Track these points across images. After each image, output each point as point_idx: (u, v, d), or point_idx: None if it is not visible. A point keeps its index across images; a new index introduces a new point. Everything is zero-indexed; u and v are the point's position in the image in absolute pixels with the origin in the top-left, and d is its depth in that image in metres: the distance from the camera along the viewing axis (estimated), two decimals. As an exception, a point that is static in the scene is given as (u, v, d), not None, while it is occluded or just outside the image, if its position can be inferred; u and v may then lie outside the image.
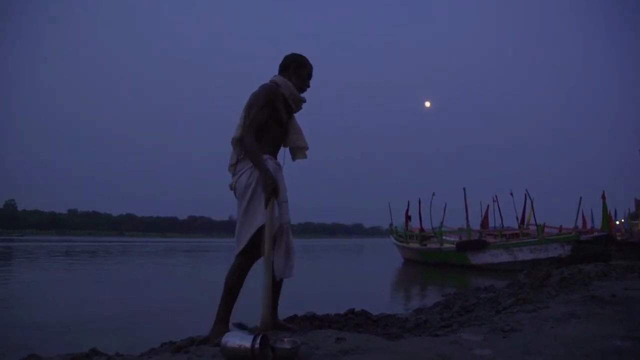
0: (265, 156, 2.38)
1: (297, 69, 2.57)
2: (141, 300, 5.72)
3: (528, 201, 14.36)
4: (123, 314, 4.58)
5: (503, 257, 12.47)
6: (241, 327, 1.90)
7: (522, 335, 2.08)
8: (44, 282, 8.08)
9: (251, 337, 1.68)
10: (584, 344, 1.86)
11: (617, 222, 22.75)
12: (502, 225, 15.99)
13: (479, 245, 13.03)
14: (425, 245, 15.53)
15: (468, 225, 14.79)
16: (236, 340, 1.68)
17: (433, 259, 14.51)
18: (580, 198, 14.85)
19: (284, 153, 2.58)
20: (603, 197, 13.64)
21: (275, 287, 2.53)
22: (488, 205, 16.73)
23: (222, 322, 2.25)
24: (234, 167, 2.46)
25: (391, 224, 18.84)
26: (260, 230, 2.24)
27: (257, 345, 1.65)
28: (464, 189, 15.91)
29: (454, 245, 13.69)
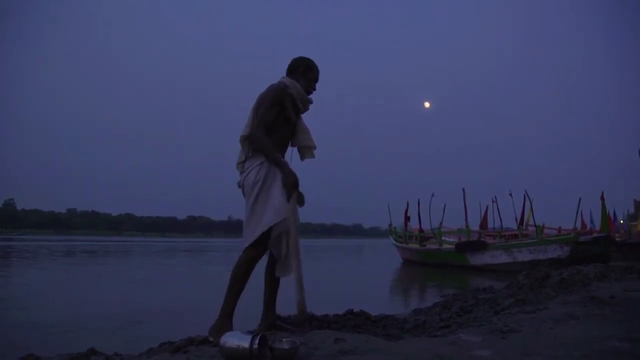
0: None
1: (305, 72, 2.64)
2: (140, 300, 5.72)
3: (527, 202, 14.38)
4: (122, 313, 4.58)
5: (502, 257, 12.48)
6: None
7: (521, 336, 2.09)
8: (43, 282, 8.08)
9: (250, 337, 1.68)
10: (583, 345, 1.86)
11: (621, 222, 22.81)
12: (502, 226, 15.99)
13: (478, 246, 13.04)
14: (425, 245, 15.54)
15: (467, 226, 14.80)
16: (235, 340, 1.68)
17: (432, 260, 14.52)
18: (580, 199, 14.87)
19: (291, 152, 2.63)
20: (602, 198, 13.66)
21: (273, 286, 2.54)
22: (487, 206, 16.77)
23: (226, 317, 2.27)
24: (241, 165, 2.50)
25: (390, 225, 18.85)
26: (272, 227, 2.29)
27: (255, 346, 1.65)
28: (463, 189, 15.94)
29: (453, 246, 13.69)
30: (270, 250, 2.46)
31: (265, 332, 2.17)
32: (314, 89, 2.70)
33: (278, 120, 2.47)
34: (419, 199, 16.74)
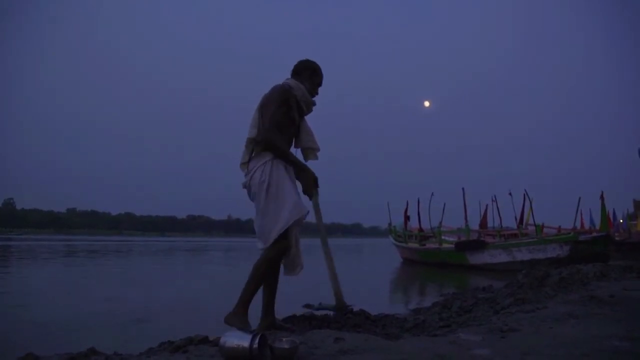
0: (271, 155, 2.43)
1: (311, 75, 2.68)
2: (140, 300, 5.71)
3: (527, 201, 14.38)
4: (122, 313, 4.57)
5: (502, 257, 12.47)
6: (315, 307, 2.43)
7: (520, 335, 2.09)
8: (43, 281, 8.08)
9: (250, 336, 1.67)
10: (582, 344, 1.86)
11: (620, 221, 22.80)
12: (501, 226, 15.98)
13: (478, 245, 13.04)
14: (424, 245, 15.53)
15: (467, 225, 14.80)
16: (235, 340, 1.68)
17: (432, 259, 14.51)
18: (579, 198, 14.87)
19: (295, 153, 2.65)
20: (602, 197, 13.65)
21: (272, 286, 2.54)
22: (487, 205, 16.75)
23: (242, 308, 2.33)
24: (246, 166, 2.51)
25: (390, 224, 18.84)
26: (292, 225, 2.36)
27: (255, 345, 1.65)
28: (463, 188, 15.93)
29: (453, 245, 13.69)
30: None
31: (265, 331, 2.17)
32: (317, 93, 2.73)
33: (283, 121, 2.49)
34: (418, 199, 16.75)
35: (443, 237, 14.71)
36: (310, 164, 2.66)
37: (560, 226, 14.92)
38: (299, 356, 1.71)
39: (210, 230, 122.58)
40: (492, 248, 12.76)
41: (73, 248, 23.04)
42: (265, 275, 2.40)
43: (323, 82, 2.75)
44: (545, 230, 13.70)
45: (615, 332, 2.07)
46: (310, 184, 2.46)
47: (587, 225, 18.49)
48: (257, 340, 1.65)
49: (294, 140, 2.69)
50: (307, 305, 2.71)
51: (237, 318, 2.27)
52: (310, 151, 2.71)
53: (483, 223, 16.65)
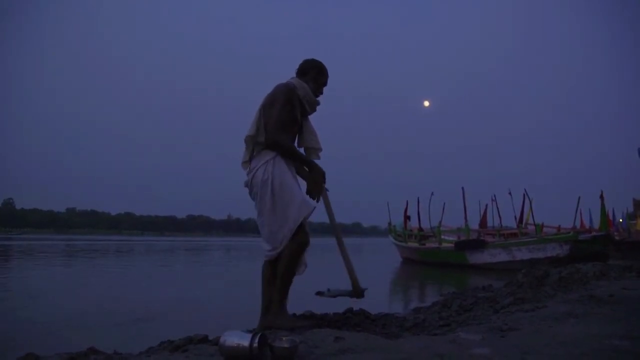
0: (273, 154, 2.45)
1: (317, 75, 2.67)
2: (140, 299, 5.71)
3: (527, 201, 14.39)
4: (122, 312, 4.58)
5: (501, 256, 12.48)
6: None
7: (520, 334, 2.09)
8: (42, 281, 8.07)
9: (249, 335, 1.67)
10: (582, 344, 1.86)
11: (620, 220, 22.80)
12: (501, 225, 15.99)
13: (478, 244, 13.04)
14: (424, 244, 15.54)
15: (466, 225, 14.80)
16: (234, 339, 1.68)
17: (431, 259, 14.52)
18: (579, 198, 14.87)
19: None
20: (601, 197, 13.66)
21: (273, 285, 2.54)
22: (487, 205, 16.76)
23: (282, 307, 2.42)
24: (247, 164, 2.50)
25: (390, 223, 18.84)
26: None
27: (255, 344, 1.64)
28: (463, 188, 15.92)
29: (453, 245, 13.70)
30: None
31: (265, 330, 2.17)
32: (322, 93, 2.72)
33: (286, 120, 2.48)
34: (418, 198, 16.76)
35: (443, 237, 14.71)
36: None
37: (559, 225, 14.93)
38: (299, 355, 1.71)
39: (210, 230, 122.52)
40: (492, 247, 12.77)
41: (72, 248, 23.03)
42: (294, 270, 2.43)
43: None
44: (544, 229, 13.71)
45: (615, 332, 2.07)
46: (319, 183, 2.49)
47: (586, 225, 18.49)
48: (257, 340, 1.65)
49: (297, 139, 2.68)
50: (319, 293, 2.73)
51: (280, 317, 2.35)
52: (313, 151, 2.70)
53: (483, 222, 16.65)
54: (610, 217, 19.14)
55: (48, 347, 2.29)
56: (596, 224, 17.72)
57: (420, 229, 16.54)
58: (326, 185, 2.62)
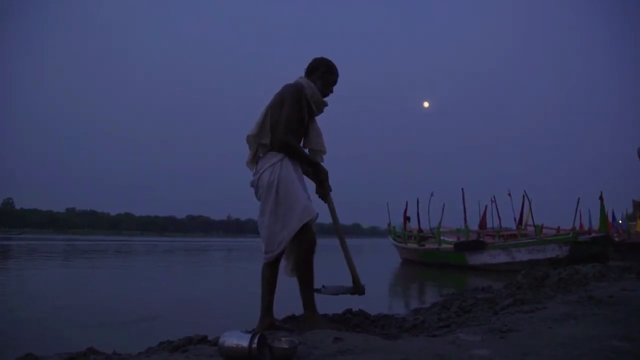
0: (280, 156, 2.44)
1: (325, 73, 2.62)
2: (139, 299, 5.71)
3: (526, 202, 14.38)
4: (121, 312, 4.58)
5: (501, 257, 12.47)
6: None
7: (520, 335, 2.09)
8: (42, 281, 8.07)
9: (249, 336, 1.67)
10: (581, 345, 1.86)
11: (620, 222, 22.80)
12: (500, 226, 15.99)
13: (477, 245, 13.03)
14: (424, 245, 15.53)
15: (466, 226, 14.79)
16: (234, 339, 1.67)
17: (431, 260, 14.51)
18: (579, 199, 14.86)
19: None
20: (601, 198, 13.66)
21: (272, 286, 2.54)
22: (486, 206, 16.73)
23: (314, 310, 2.47)
24: (252, 165, 2.50)
25: (389, 224, 18.84)
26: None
27: (254, 345, 1.64)
28: (462, 189, 15.93)
29: (452, 246, 13.69)
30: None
31: (264, 331, 2.17)
32: (331, 92, 2.67)
33: (295, 121, 2.46)
34: (418, 199, 16.75)
35: (442, 238, 14.71)
36: None
37: (559, 227, 14.92)
38: (298, 356, 1.71)
39: (209, 230, 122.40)
40: (492, 248, 12.76)
41: (72, 248, 23.01)
42: (312, 268, 2.45)
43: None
44: (544, 230, 13.70)
45: (615, 333, 2.07)
46: (326, 184, 2.51)
47: (586, 226, 18.49)
48: (256, 340, 1.65)
49: (302, 140, 2.64)
50: (316, 290, 2.68)
51: (315, 319, 2.40)
52: (317, 153, 2.67)
53: (482, 223, 16.63)
54: (610, 219, 19.16)
55: (48, 347, 2.29)
56: (596, 225, 17.69)
57: (420, 230, 16.54)
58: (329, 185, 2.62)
